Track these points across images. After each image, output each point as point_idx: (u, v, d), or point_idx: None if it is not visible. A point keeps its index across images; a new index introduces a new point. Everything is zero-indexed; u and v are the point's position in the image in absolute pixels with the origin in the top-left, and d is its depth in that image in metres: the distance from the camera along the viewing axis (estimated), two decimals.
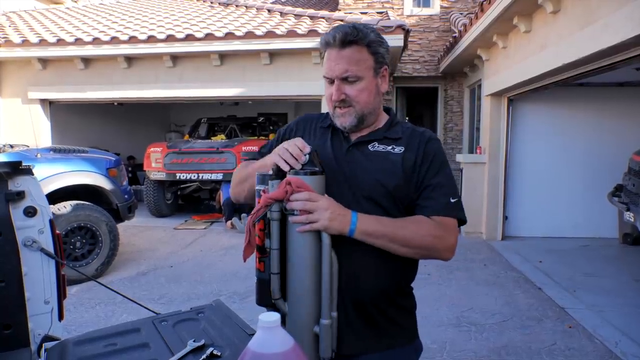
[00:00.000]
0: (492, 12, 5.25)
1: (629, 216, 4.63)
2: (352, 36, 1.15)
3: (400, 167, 1.20)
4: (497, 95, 6.62)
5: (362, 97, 1.19)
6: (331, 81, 1.20)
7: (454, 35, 7.50)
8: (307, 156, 1.11)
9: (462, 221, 1.22)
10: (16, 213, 1.48)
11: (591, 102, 6.50)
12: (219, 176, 7.46)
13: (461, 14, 8.60)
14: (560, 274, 4.99)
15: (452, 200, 1.20)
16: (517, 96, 6.34)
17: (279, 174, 1.12)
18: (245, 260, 1.15)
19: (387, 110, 1.34)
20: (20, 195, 1.49)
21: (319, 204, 1.06)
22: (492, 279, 4.86)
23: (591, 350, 3.26)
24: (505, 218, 6.69)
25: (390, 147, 1.23)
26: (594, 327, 3.62)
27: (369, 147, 1.24)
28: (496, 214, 6.66)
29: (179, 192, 8.72)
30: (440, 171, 1.22)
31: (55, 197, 4.49)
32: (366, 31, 1.18)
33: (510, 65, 5.76)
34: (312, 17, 7.54)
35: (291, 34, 6.61)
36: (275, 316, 0.80)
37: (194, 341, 1.20)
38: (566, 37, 4.17)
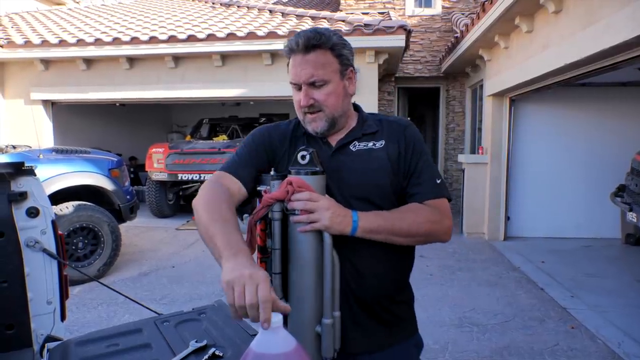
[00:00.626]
0: (494, 12, 5.24)
1: (631, 216, 4.62)
2: (315, 40, 1.14)
3: (386, 162, 1.21)
4: (499, 95, 6.61)
5: (331, 101, 1.19)
6: (298, 87, 1.19)
7: (456, 35, 7.50)
8: (309, 156, 1.11)
9: (449, 199, 1.26)
10: (19, 213, 1.49)
11: (593, 102, 6.49)
12: None
13: (463, 14, 8.59)
14: (563, 274, 4.98)
15: (438, 181, 1.24)
16: (519, 96, 6.33)
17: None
18: None
19: (354, 107, 1.34)
20: (22, 195, 1.49)
21: (320, 203, 1.06)
22: (494, 279, 4.85)
23: (594, 350, 3.25)
24: (508, 218, 6.68)
25: (371, 144, 1.24)
26: (596, 327, 3.61)
27: (351, 147, 1.24)
28: (498, 215, 6.65)
29: (180, 193, 8.72)
30: (422, 155, 1.25)
31: (57, 197, 4.49)
32: (329, 34, 1.17)
33: (512, 66, 5.76)
34: (313, 18, 7.54)
35: (293, 34, 6.60)
36: (277, 317, 0.80)
37: (196, 342, 1.20)
38: (568, 37, 4.16)
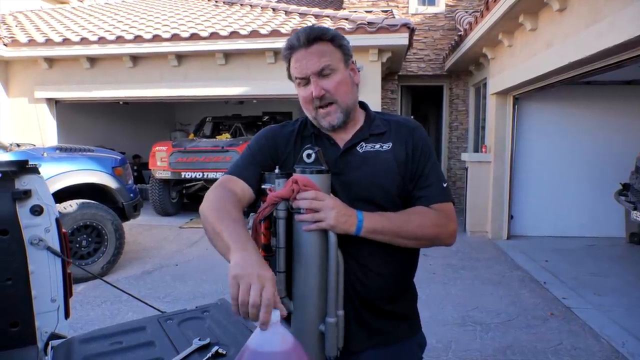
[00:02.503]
0: (498, 10, 5.22)
1: (635, 215, 4.59)
2: (315, 33, 1.16)
3: (393, 165, 1.20)
4: (503, 93, 6.59)
5: (342, 90, 1.18)
6: (305, 82, 1.18)
7: (459, 33, 7.47)
8: (314, 154, 1.10)
9: (453, 203, 1.26)
10: (23, 212, 1.49)
11: (597, 100, 6.46)
12: None
13: (466, 12, 8.56)
14: (566, 273, 4.96)
15: (444, 185, 1.24)
16: (523, 95, 6.30)
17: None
18: None
19: (361, 105, 1.33)
20: (26, 194, 1.49)
21: (325, 203, 1.06)
22: (497, 278, 4.84)
23: (597, 350, 3.24)
24: (511, 217, 6.66)
25: (378, 146, 1.23)
26: (600, 326, 3.60)
27: (358, 148, 1.22)
28: (501, 213, 6.63)
29: (184, 191, 8.74)
30: (429, 158, 1.24)
31: (61, 195, 4.51)
32: (326, 28, 1.20)
33: (516, 64, 5.74)
34: (316, 16, 7.53)
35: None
36: (275, 314, 0.80)
37: (199, 340, 1.21)
38: (572, 36, 4.14)
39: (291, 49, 1.18)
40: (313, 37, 1.15)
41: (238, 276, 0.85)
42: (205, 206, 1.13)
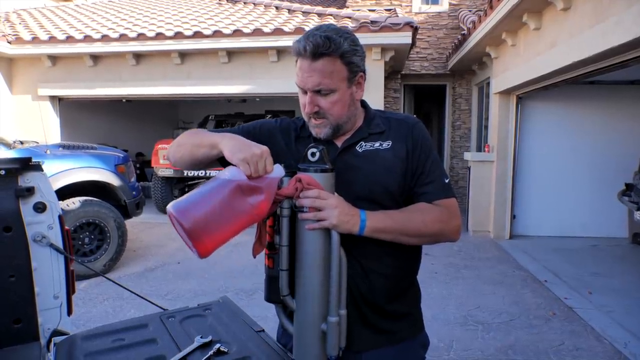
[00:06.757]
0: (502, 9, 5.21)
1: (639, 215, 4.59)
2: (323, 48, 1.10)
3: (393, 163, 1.20)
4: (506, 93, 6.57)
5: (336, 110, 1.17)
6: (304, 91, 1.17)
7: (463, 32, 7.46)
8: (319, 153, 1.10)
9: (455, 198, 1.26)
10: (26, 209, 1.49)
11: (601, 100, 6.44)
12: None
13: (470, 11, 8.54)
14: (569, 273, 4.95)
15: (446, 181, 1.23)
16: (526, 94, 6.29)
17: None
18: (255, 256, 1.16)
19: (362, 104, 1.31)
20: (30, 191, 1.50)
21: (328, 202, 1.05)
22: (499, 277, 4.83)
23: (600, 350, 3.23)
24: (513, 217, 6.65)
25: (377, 144, 1.22)
26: (602, 327, 3.59)
27: (357, 148, 1.22)
28: (504, 213, 6.62)
29: (186, 189, 8.74)
30: (430, 154, 1.23)
31: (64, 193, 4.52)
32: (339, 40, 1.12)
33: (519, 63, 5.72)
34: (320, 15, 7.52)
35: (299, 31, 6.60)
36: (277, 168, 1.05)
37: (201, 337, 1.21)
38: (576, 35, 4.13)
39: (298, 54, 1.15)
40: (320, 52, 1.10)
41: (246, 158, 1.01)
42: (175, 141, 1.25)
